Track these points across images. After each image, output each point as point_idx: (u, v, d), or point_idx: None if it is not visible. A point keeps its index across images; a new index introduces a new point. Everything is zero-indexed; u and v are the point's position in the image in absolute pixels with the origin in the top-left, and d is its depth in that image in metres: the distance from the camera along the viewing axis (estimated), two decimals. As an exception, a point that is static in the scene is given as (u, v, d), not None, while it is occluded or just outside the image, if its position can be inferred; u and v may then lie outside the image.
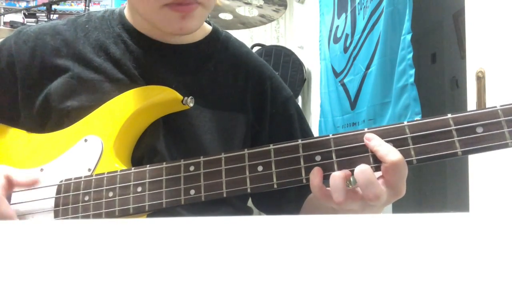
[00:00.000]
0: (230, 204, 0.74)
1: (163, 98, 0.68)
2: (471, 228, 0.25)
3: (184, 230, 0.26)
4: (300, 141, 0.56)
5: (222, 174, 0.57)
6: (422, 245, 0.24)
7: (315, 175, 0.55)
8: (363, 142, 0.54)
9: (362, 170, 0.52)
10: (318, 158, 0.55)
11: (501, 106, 0.51)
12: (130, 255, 0.24)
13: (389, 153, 0.52)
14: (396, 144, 0.53)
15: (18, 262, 0.24)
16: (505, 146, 0.50)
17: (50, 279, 0.23)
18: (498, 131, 0.50)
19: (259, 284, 0.22)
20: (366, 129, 0.55)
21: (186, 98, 0.68)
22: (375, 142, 0.53)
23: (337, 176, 0.53)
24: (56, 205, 0.64)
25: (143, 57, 0.72)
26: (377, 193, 0.52)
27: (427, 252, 0.24)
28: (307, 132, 0.83)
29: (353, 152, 0.54)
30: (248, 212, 0.81)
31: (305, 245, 0.25)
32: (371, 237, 0.25)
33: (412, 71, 1.57)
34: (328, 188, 0.55)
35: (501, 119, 0.50)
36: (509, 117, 0.50)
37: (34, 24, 0.89)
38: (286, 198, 0.77)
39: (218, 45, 0.78)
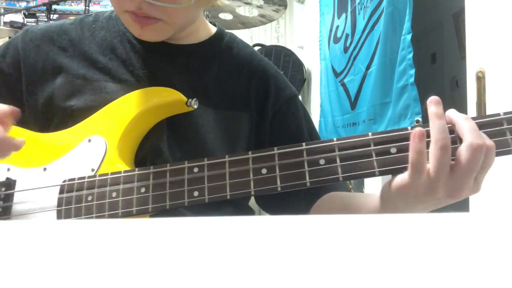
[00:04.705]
0: (232, 203, 0.73)
1: (168, 99, 0.68)
2: (471, 228, 0.26)
3: (186, 230, 0.27)
4: (304, 145, 0.56)
5: (226, 176, 0.57)
6: (422, 245, 0.24)
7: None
8: (368, 147, 0.54)
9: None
10: (322, 161, 0.55)
11: (504, 114, 0.52)
12: (132, 255, 0.24)
13: (483, 137, 0.50)
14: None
15: (19, 262, 0.24)
16: (508, 152, 0.51)
17: (52, 280, 0.23)
18: (501, 138, 0.51)
19: (261, 284, 0.22)
20: (370, 134, 0.55)
21: (190, 100, 0.68)
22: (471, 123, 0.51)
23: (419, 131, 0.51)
24: (59, 205, 0.64)
25: (147, 57, 0.73)
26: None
27: (427, 252, 0.24)
28: (312, 131, 0.81)
29: (357, 157, 0.54)
30: (250, 212, 0.81)
31: (306, 245, 0.25)
32: (371, 237, 0.25)
33: (412, 71, 1.56)
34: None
35: (504, 127, 0.52)
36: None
37: (35, 24, 0.90)
38: (295, 197, 0.73)
39: (222, 45, 0.79)
